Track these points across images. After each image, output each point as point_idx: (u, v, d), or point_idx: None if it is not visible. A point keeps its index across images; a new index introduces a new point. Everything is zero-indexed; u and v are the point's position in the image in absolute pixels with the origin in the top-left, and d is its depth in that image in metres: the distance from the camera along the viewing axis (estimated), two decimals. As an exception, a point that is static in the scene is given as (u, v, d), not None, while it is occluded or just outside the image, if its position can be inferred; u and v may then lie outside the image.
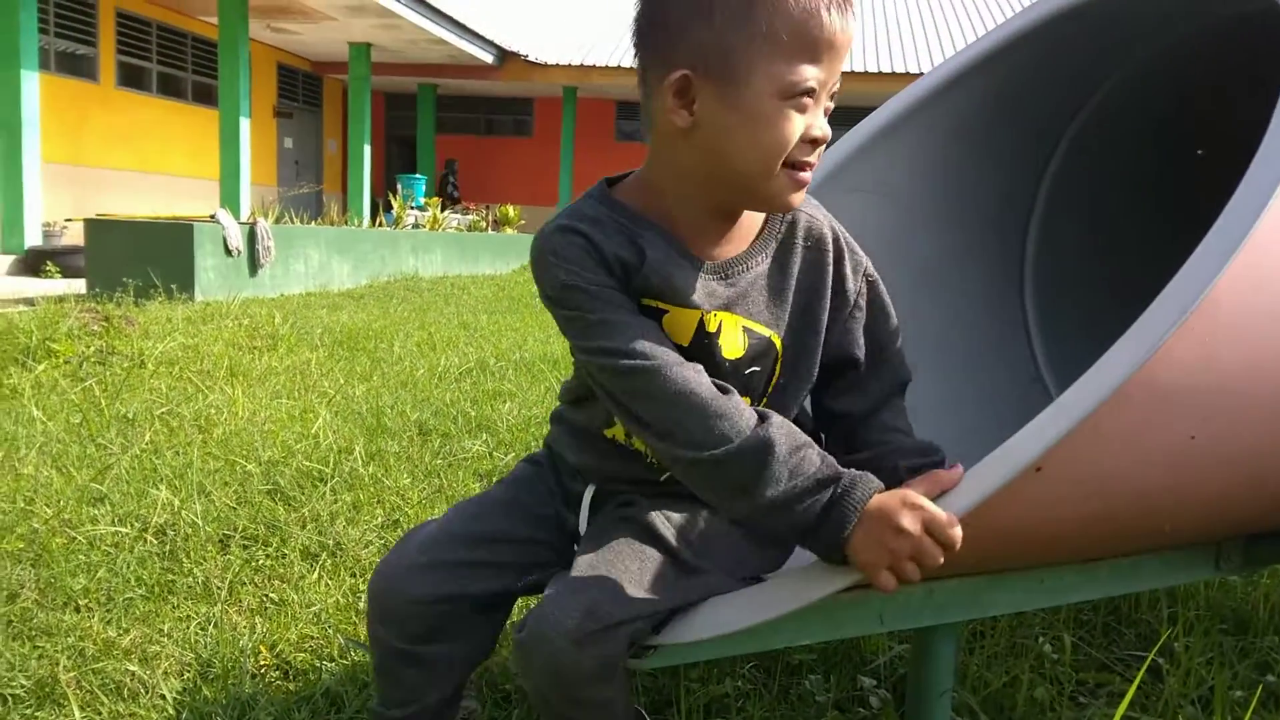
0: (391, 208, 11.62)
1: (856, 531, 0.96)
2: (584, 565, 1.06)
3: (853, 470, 1.00)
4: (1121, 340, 0.97)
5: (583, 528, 1.17)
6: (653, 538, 1.10)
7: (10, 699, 1.55)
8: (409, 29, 14.54)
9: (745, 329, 1.08)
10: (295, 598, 1.94)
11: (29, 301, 6.45)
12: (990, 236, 2.03)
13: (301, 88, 18.49)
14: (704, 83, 0.97)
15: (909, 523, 0.93)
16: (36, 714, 1.52)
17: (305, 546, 2.20)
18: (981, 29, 18.67)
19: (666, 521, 1.12)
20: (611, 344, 1.00)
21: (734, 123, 0.98)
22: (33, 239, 9.63)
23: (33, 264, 9.11)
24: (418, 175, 16.59)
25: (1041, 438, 0.96)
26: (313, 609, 1.90)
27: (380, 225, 11.33)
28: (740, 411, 0.99)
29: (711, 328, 1.06)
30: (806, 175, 1.02)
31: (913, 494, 0.96)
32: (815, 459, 0.99)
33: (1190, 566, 1.45)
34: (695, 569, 1.10)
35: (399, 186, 14.72)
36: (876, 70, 16.61)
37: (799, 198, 1.04)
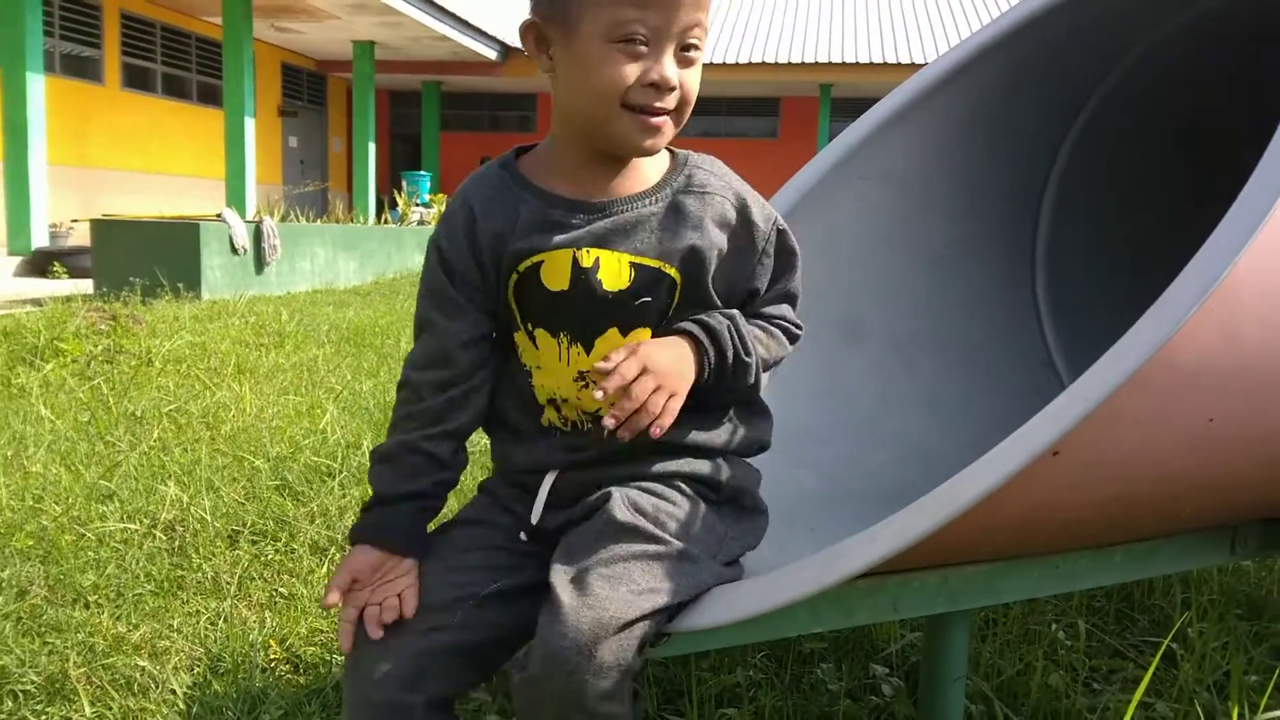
0: (397, 205, 11.62)
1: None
2: (572, 579, 1.02)
3: (377, 517, 1.12)
4: (1141, 322, 0.95)
5: (536, 515, 1.14)
6: (630, 531, 1.07)
7: (21, 694, 1.55)
8: (412, 26, 14.52)
9: (631, 264, 1.10)
10: (305, 592, 1.94)
11: (37, 302, 6.47)
12: (1002, 222, 2.01)
13: (306, 86, 18.49)
14: (550, 29, 1.06)
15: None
16: (47, 709, 1.52)
17: (314, 541, 2.20)
18: (987, 17, 18.60)
19: (636, 510, 1.09)
20: (416, 329, 1.17)
21: (571, 66, 1.05)
22: (39, 240, 9.66)
23: (40, 265, 9.14)
24: (422, 172, 16.60)
25: (1059, 421, 0.95)
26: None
27: (386, 222, 11.33)
28: (407, 430, 1.13)
29: (587, 263, 1.10)
30: (657, 120, 1.06)
31: (352, 567, 1.09)
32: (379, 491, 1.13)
33: (1206, 551, 1.43)
34: (682, 554, 1.07)
35: (404, 184, 14.73)
36: (881, 61, 16.56)
37: (656, 141, 1.08)
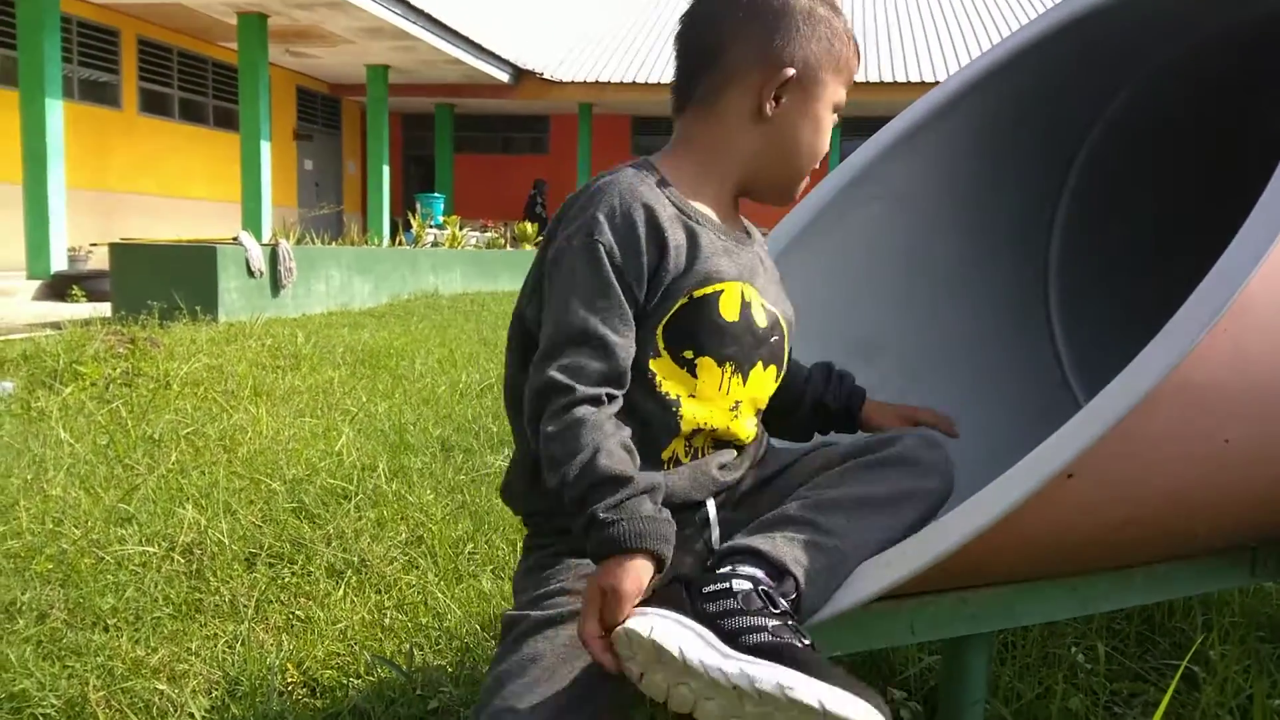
0: (411, 227, 11.69)
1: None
2: None
3: (661, 519, 0.98)
4: (1153, 343, 0.95)
5: (716, 541, 1.13)
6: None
7: (42, 718, 1.56)
8: (426, 50, 14.65)
9: (762, 305, 1.17)
10: (321, 615, 1.95)
11: (56, 325, 6.53)
12: (1013, 241, 2.02)
13: (320, 110, 18.66)
14: (795, 86, 1.14)
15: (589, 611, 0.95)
16: (67, 733, 1.53)
17: (330, 564, 2.21)
18: (996, 36, 18.63)
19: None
20: (575, 339, 1.03)
21: (805, 124, 1.16)
22: (58, 264, 9.75)
23: (59, 289, 9.22)
24: (436, 194, 16.70)
25: (1072, 443, 0.95)
26: (339, 626, 1.90)
27: (400, 244, 11.40)
28: (613, 432, 1.01)
29: (748, 298, 1.15)
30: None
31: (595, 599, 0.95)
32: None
33: (1225, 572, 1.42)
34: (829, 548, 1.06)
35: (418, 205, 14.82)
36: (892, 80, 16.59)
37: None
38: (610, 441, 0.99)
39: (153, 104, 13.75)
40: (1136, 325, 1.51)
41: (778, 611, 0.94)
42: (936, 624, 1.17)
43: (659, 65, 18.14)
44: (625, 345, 1.05)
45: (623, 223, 1.06)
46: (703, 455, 1.14)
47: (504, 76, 17.43)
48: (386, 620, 1.93)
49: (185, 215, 13.63)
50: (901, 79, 16.57)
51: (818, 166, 1.20)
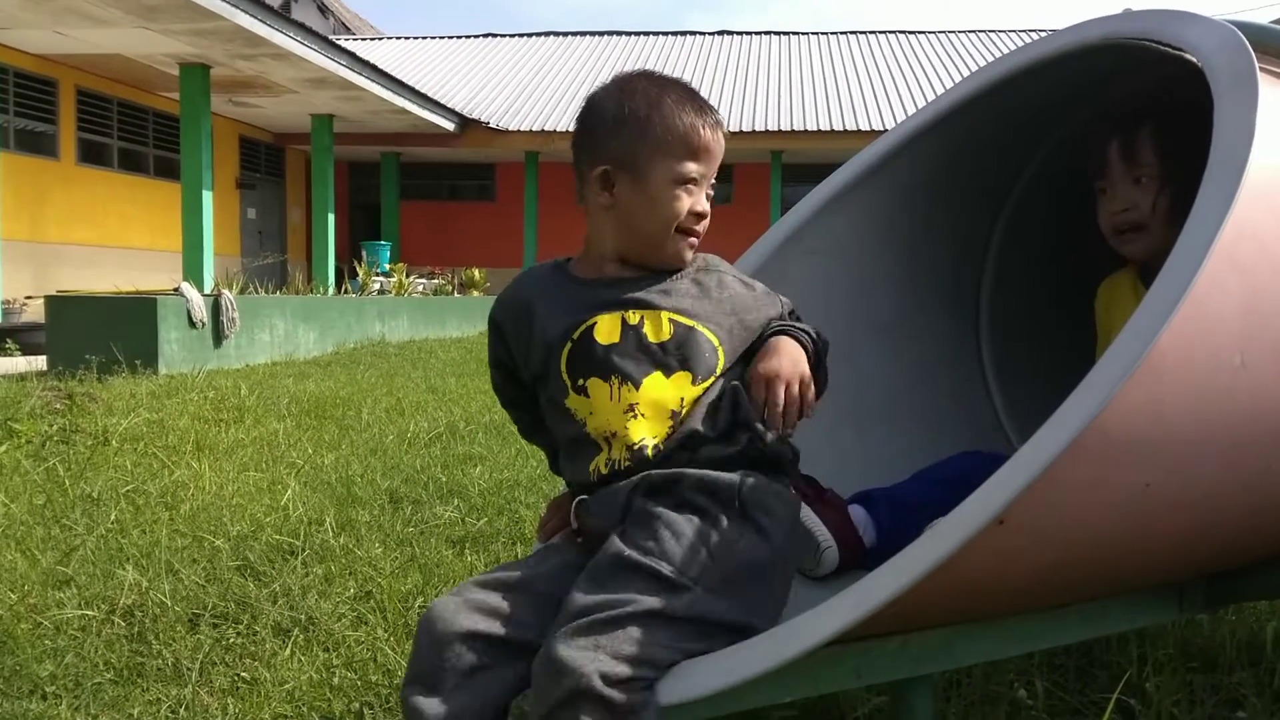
0: (357, 274, 11.64)
1: None
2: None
3: None
4: (1074, 395, 1.01)
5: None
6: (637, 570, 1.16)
7: (-24, 794, 1.51)
8: (371, 100, 14.68)
9: (670, 320, 1.36)
10: (268, 676, 1.91)
11: (-12, 381, 6.35)
12: (946, 291, 2.09)
13: (264, 159, 18.55)
14: (619, 174, 1.37)
15: None
16: (3, 808, 1.48)
17: (277, 622, 2.17)
18: (928, 87, 19.23)
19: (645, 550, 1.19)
20: None
21: (641, 202, 1.36)
22: (-9, 317, 9.52)
23: (-9, 342, 8.98)
24: (382, 242, 16.64)
25: (1002, 491, 1.00)
26: (286, 687, 1.87)
27: (346, 292, 11.32)
28: None
29: (633, 320, 1.36)
30: (694, 239, 1.41)
31: None
32: None
33: (1155, 608, 1.48)
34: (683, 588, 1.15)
35: (364, 253, 14.75)
36: (829, 129, 17.02)
37: (690, 255, 1.42)
38: None
39: (91, 154, 13.56)
40: (1066, 371, 1.57)
41: None
42: (881, 667, 1.20)
43: (604, 114, 18.36)
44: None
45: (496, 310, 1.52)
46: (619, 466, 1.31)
47: (450, 125, 17.52)
48: (335, 679, 1.91)
49: (125, 266, 13.40)
50: (839, 128, 17.00)
51: (697, 227, 1.38)
